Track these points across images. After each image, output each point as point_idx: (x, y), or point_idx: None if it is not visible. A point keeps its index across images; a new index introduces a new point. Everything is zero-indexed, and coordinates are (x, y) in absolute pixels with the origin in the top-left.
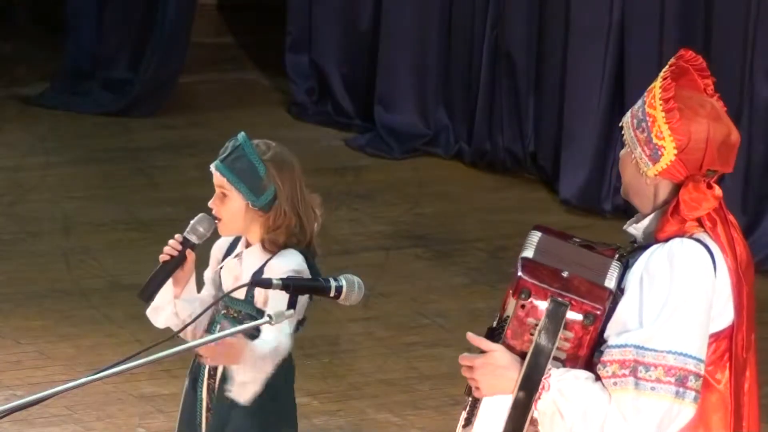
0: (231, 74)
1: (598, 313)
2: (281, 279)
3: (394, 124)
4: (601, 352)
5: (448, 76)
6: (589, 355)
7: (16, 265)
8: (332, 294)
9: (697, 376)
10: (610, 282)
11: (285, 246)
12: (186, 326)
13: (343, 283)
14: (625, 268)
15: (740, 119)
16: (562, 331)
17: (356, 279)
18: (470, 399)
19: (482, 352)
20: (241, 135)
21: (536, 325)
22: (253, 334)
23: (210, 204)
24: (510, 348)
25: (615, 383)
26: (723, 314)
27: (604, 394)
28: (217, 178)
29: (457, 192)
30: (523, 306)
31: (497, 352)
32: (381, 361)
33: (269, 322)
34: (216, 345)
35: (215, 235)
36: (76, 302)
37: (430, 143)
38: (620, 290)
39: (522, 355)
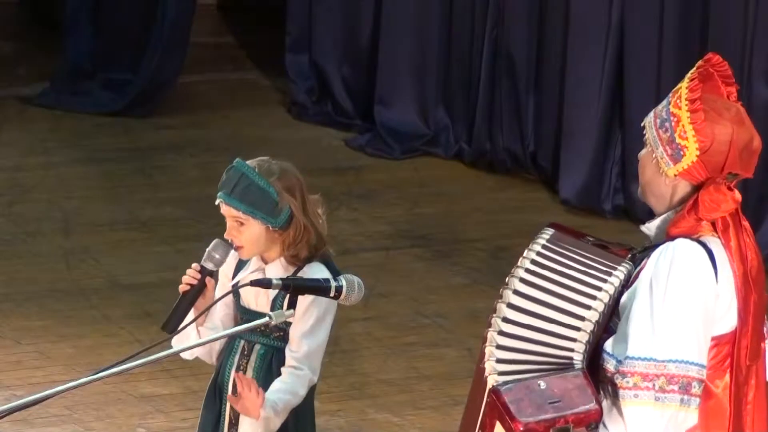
0: (231, 74)
1: (597, 417)
2: (281, 279)
3: (394, 124)
4: (614, 358)
5: (448, 76)
6: None
7: (16, 265)
8: (332, 294)
9: (700, 381)
10: (596, 310)
11: (307, 258)
12: (187, 325)
13: (343, 283)
14: (637, 266)
15: None
16: None
17: (356, 279)
18: None
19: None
20: (239, 162)
21: None
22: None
23: (226, 235)
24: None
25: (635, 395)
26: (725, 318)
27: None
28: (231, 211)
29: (457, 192)
30: None
31: None
32: (381, 361)
33: (269, 322)
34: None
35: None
36: (76, 302)
37: (430, 143)
38: (626, 287)
39: None
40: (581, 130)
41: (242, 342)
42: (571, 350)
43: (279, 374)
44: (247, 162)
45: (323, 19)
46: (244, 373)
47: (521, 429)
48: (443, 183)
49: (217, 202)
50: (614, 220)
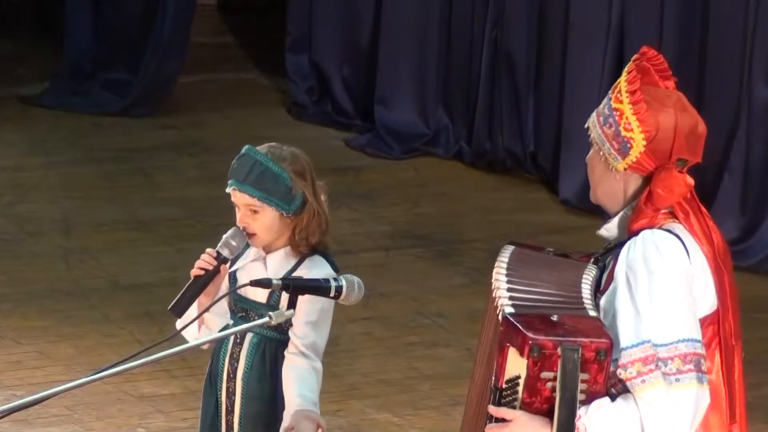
0: (231, 74)
1: (607, 346)
2: (281, 279)
3: (394, 124)
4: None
5: (448, 76)
6: (604, 390)
7: (16, 265)
8: (332, 294)
9: (704, 358)
10: (588, 302)
11: (312, 248)
12: (186, 326)
13: (343, 283)
14: (602, 271)
15: (738, 120)
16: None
17: (356, 279)
18: None
19: (496, 420)
20: (251, 149)
21: (551, 377)
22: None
23: (239, 223)
24: (528, 405)
25: (643, 381)
26: (703, 300)
27: (630, 405)
28: (245, 199)
29: (457, 192)
30: (536, 363)
31: (522, 416)
32: (381, 361)
33: (269, 322)
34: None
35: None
36: (76, 302)
37: (430, 143)
38: (600, 292)
39: (543, 411)
40: (581, 130)
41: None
42: (579, 291)
43: (272, 363)
44: (257, 148)
45: (323, 19)
46: (237, 361)
47: (530, 343)
48: (443, 183)
49: (228, 190)
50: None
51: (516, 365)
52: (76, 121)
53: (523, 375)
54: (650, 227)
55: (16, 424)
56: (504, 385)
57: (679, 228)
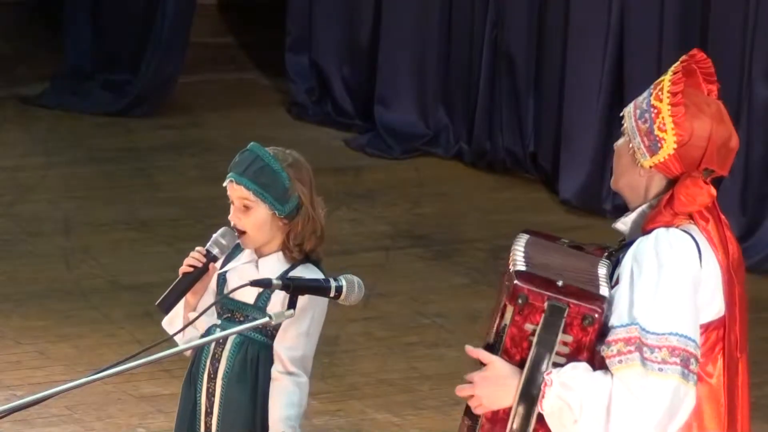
0: (231, 74)
1: (596, 315)
2: (281, 279)
3: (394, 124)
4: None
5: (448, 76)
6: (589, 359)
7: (16, 265)
8: (332, 294)
9: (696, 359)
10: (603, 283)
11: (305, 255)
12: (185, 327)
13: (343, 283)
14: (615, 265)
15: (739, 120)
16: (561, 334)
17: (356, 279)
18: (470, 422)
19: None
20: (254, 145)
21: (534, 330)
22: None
23: (231, 218)
24: (509, 356)
25: (620, 361)
26: (711, 305)
27: (606, 377)
28: (240, 191)
29: (457, 192)
30: (520, 312)
31: (497, 362)
32: (381, 361)
33: (269, 322)
34: None
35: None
36: (76, 302)
37: (430, 143)
38: (612, 287)
39: (522, 363)
40: (581, 130)
41: (218, 330)
42: (595, 275)
43: (253, 365)
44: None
45: (323, 19)
46: (218, 361)
47: (519, 291)
48: (443, 183)
49: (225, 183)
50: (614, 220)
51: (508, 315)
52: (76, 121)
53: (509, 322)
54: (666, 227)
55: (16, 424)
56: (495, 337)
57: (695, 230)
